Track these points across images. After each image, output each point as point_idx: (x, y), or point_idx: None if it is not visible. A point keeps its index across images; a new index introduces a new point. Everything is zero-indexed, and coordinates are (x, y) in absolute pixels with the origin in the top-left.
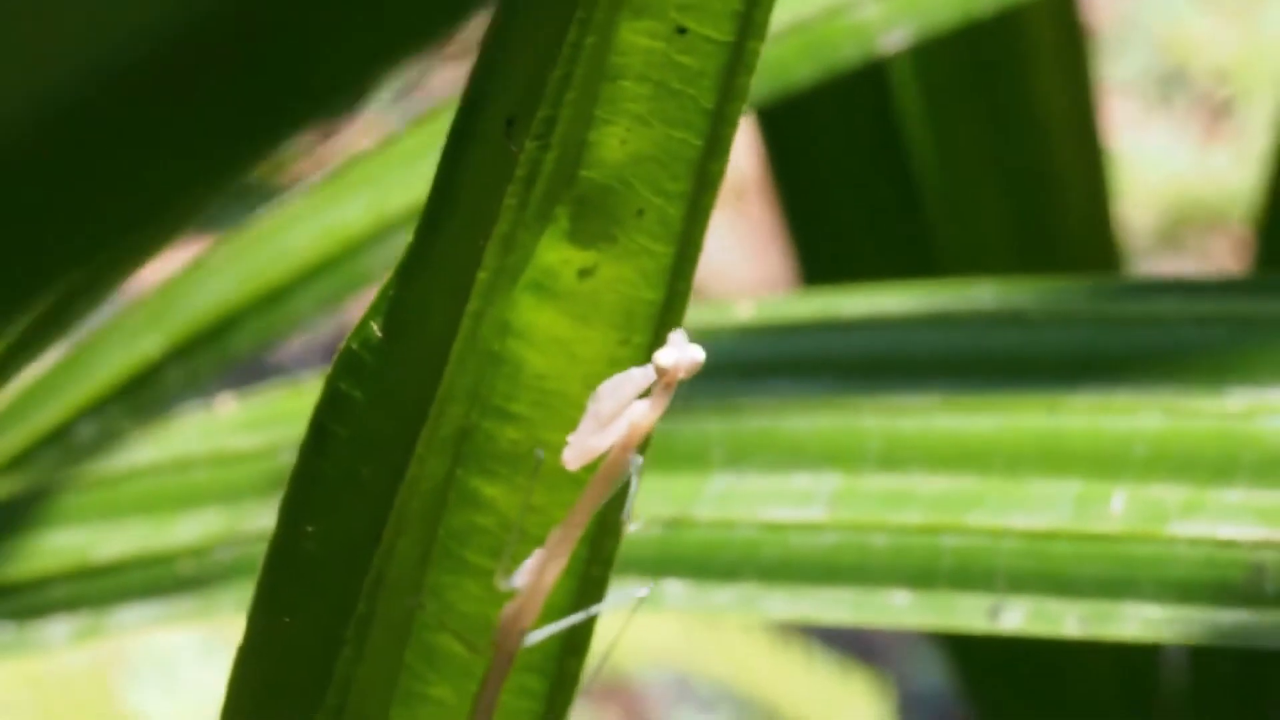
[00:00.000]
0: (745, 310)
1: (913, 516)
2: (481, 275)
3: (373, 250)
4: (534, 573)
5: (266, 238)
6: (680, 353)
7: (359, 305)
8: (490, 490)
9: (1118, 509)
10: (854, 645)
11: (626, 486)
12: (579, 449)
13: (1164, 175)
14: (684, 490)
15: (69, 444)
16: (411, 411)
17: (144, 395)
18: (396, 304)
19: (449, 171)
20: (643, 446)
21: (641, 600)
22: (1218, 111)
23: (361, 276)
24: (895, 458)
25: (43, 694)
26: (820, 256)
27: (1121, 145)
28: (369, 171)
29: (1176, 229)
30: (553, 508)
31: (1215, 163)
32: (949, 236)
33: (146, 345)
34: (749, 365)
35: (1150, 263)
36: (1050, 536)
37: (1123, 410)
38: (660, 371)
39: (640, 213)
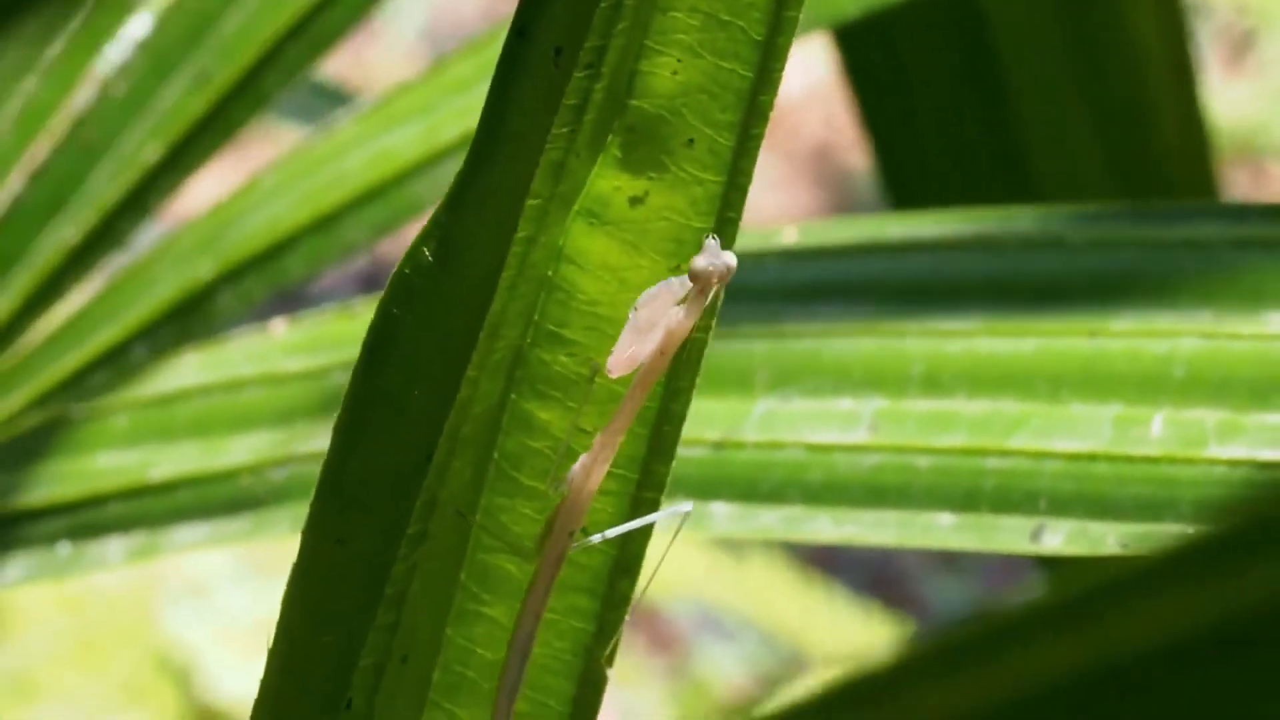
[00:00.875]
0: (789, 236)
1: (956, 439)
2: (532, 202)
3: (424, 177)
4: (580, 474)
5: (318, 163)
6: (713, 258)
7: (399, 236)
8: (544, 414)
9: (1157, 431)
10: (874, 573)
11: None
12: (620, 358)
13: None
14: (729, 413)
15: (122, 366)
16: (462, 336)
17: (196, 318)
18: (447, 230)
19: (498, 100)
20: (694, 358)
21: (687, 516)
22: (1239, 44)
23: (413, 203)
24: (938, 381)
25: (81, 617)
26: (907, 185)
27: None
28: (419, 99)
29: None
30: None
31: (1236, 95)
32: (1042, 166)
33: (198, 268)
34: (793, 289)
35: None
36: (1091, 458)
37: (1162, 333)
38: (695, 277)
39: (690, 142)
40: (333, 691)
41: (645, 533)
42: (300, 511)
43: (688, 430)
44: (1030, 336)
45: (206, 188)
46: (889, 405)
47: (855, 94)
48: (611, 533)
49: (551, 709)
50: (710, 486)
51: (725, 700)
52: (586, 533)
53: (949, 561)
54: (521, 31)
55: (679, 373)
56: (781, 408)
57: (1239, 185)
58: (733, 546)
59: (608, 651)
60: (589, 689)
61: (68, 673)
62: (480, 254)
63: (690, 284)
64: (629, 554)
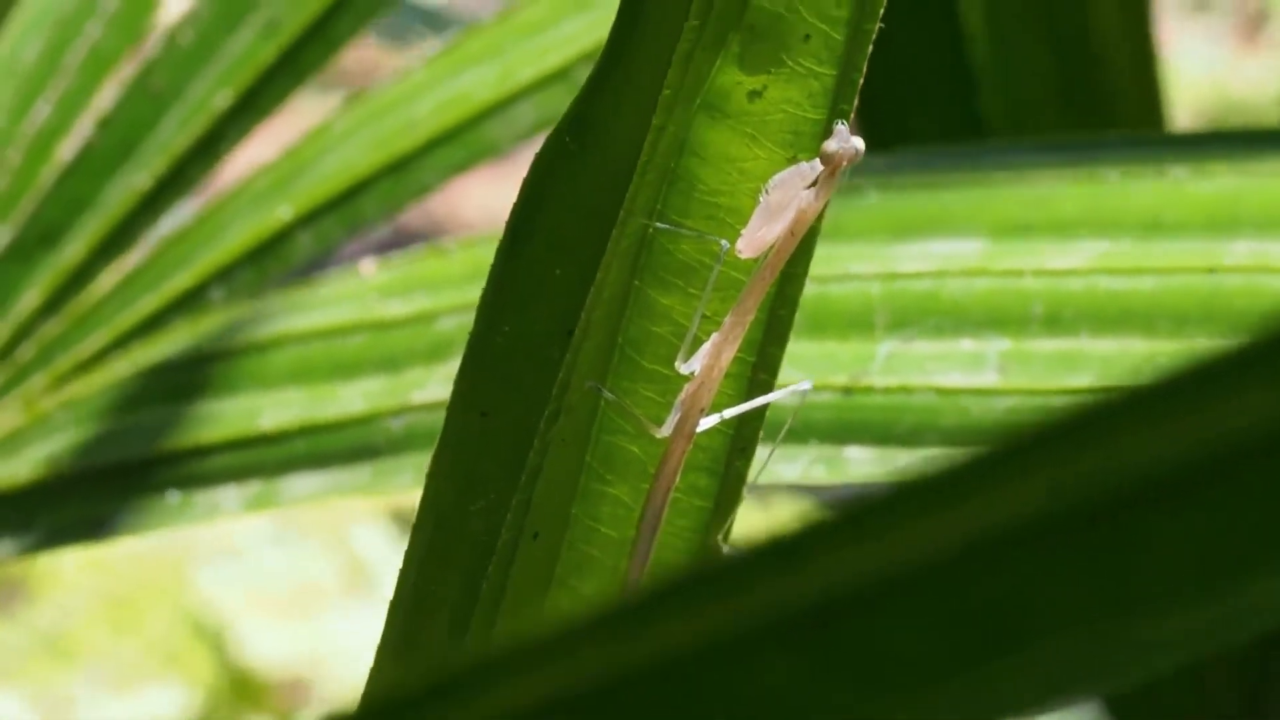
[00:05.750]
0: (876, 163)
1: (1086, 380)
2: (665, 93)
3: (498, 119)
4: (710, 355)
5: (391, 107)
6: (843, 142)
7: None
8: (666, 300)
9: None
10: None
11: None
12: (751, 239)
13: (1201, 78)
14: (853, 355)
15: (200, 308)
16: (601, 219)
17: (273, 260)
18: (587, 116)
19: None
20: (808, 246)
21: (806, 394)
22: (1254, 19)
23: (487, 145)
24: (1060, 320)
25: (114, 579)
26: (872, 117)
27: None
28: (490, 42)
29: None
30: (724, 315)
31: (1251, 69)
32: (995, 101)
33: (275, 211)
34: (898, 223)
35: None
36: None
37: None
38: (826, 159)
39: (807, 38)
40: (474, 565)
41: (760, 414)
42: (423, 460)
43: (815, 375)
44: (1147, 274)
45: (278, 128)
46: (1013, 346)
47: None
48: (731, 412)
49: None
50: (844, 431)
51: None
52: (706, 414)
53: None
54: None
55: (794, 259)
56: (904, 349)
57: None
58: (759, 493)
59: (724, 530)
60: None
61: (101, 634)
62: (619, 140)
63: (819, 168)
64: (746, 435)
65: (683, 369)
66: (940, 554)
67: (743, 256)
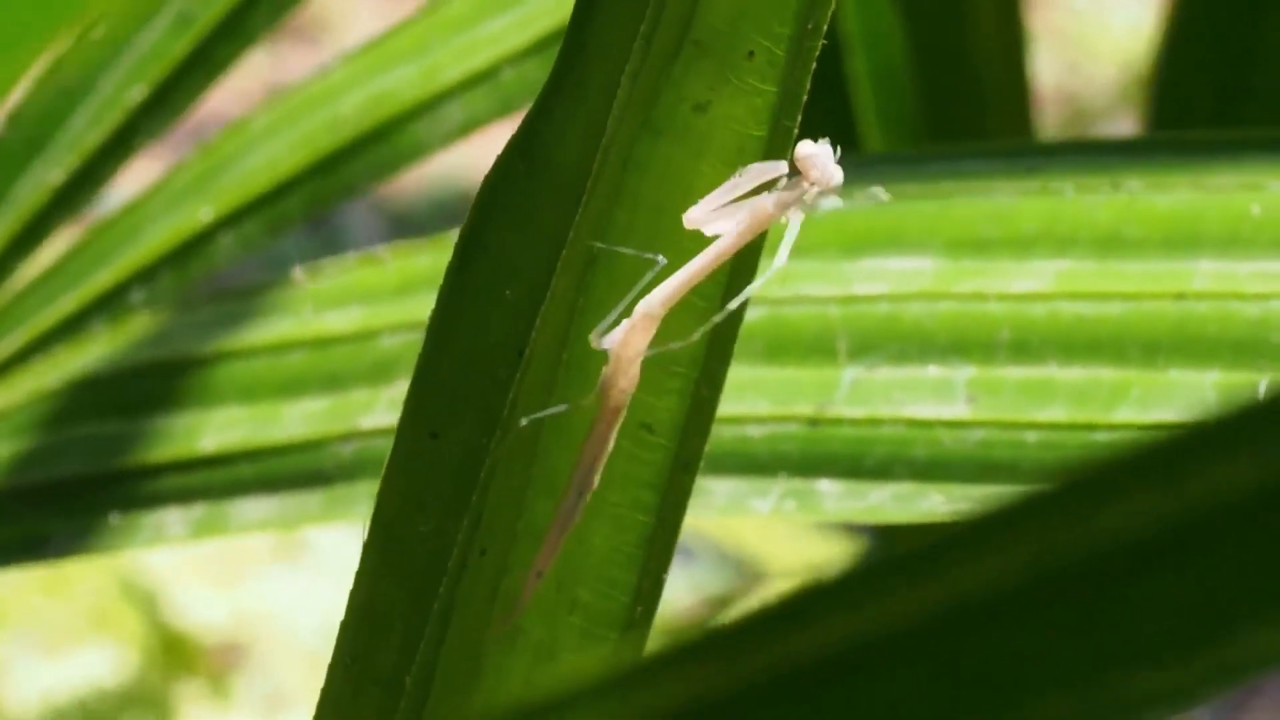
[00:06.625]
0: None
1: (1059, 412)
2: (614, 111)
3: (425, 119)
4: (624, 335)
5: (312, 105)
6: (825, 169)
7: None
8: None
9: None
10: None
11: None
12: (705, 213)
13: (1128, 35)
14: (816, 383)
15: (121, 309)
16: (551, 238)
17: (196, 261)
18: (536, 135)
19: (586, 6)
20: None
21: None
22: None
23: (415, 145)
24: (1028, 346)
25: None
26: None
27: (1082, 3)
28: (415, 38)
29: (1136, 87)
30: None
31: None
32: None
33: (196, 210)
34: (851, 240)
35: (1113, 120)
36: None
37: (1252, 296)
38: (801, 174)
39: (751, 54)
40: (425, 583)
41: (704, 431)
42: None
43: (777, 402)
44: (1114, 300)
45: (193, 121)
46: (980, 373)
47: None
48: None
49: (617, 599)
50: (813, 464)
51: (672, 622)
52: (653, 431)
53: None
54: None
55: (735, 278)
56: (869, 376)
57: None
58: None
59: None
60: (651, 580)
61: (34, 598)
62: (568, 159)
63: (787, 176)
64: (689, 450)
65: (595, 344)
66: (939, 611)
67: (688, 227)
